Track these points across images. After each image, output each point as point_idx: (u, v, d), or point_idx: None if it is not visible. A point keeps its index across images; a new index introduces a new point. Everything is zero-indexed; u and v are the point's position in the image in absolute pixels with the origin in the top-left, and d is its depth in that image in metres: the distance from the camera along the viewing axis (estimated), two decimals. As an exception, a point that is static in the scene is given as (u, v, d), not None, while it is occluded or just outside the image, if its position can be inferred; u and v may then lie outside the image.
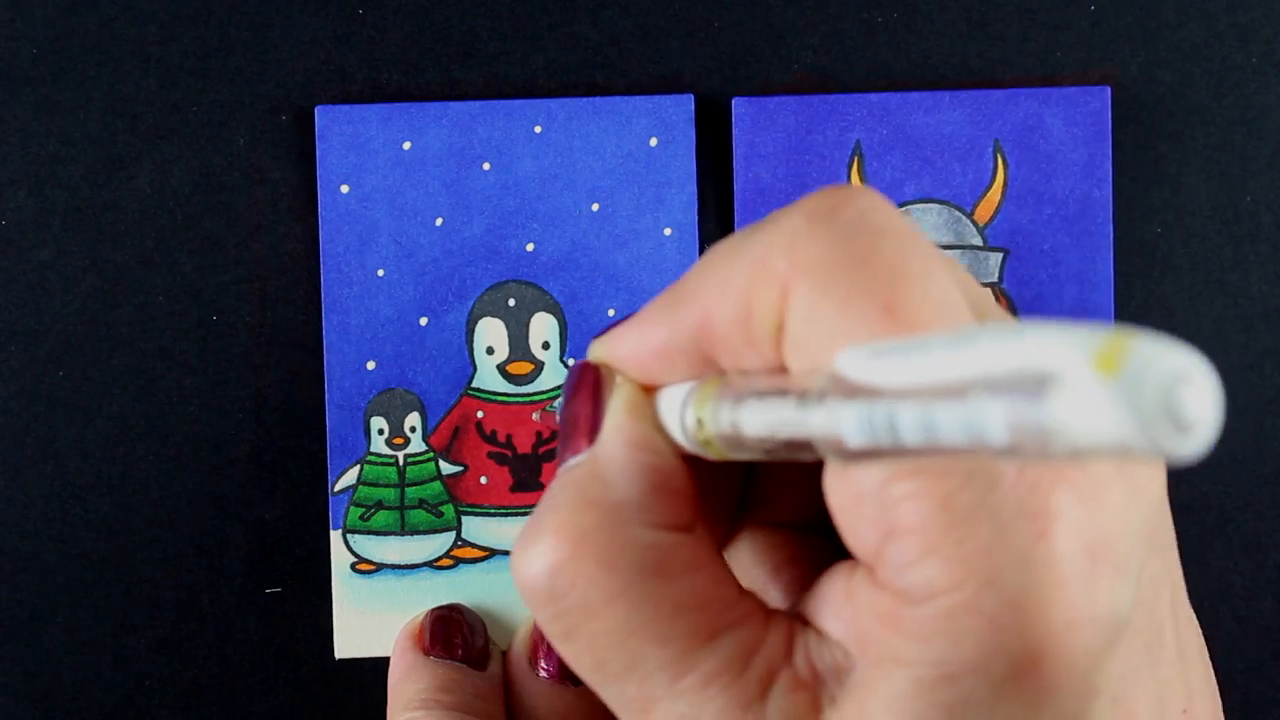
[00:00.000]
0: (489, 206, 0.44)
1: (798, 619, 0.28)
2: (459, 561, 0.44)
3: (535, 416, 0.43)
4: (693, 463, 0.29)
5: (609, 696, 0.28)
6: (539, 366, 0.44)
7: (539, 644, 0.43)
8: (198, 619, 0.45)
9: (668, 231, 0.44)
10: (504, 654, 0.44)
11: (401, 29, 0.44)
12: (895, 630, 0.25)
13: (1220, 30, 0.44)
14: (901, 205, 0.44)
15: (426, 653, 0.42)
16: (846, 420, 0.23)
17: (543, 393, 0.44)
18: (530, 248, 0.44)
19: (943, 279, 0.26)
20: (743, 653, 0.27)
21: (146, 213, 0.44)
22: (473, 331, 0.44)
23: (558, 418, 0.35)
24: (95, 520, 0.44)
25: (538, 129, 0.44)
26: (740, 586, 0.28)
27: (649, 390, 0.29)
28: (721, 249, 0.28)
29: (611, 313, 0.44)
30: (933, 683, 0.25)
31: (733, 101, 0.44)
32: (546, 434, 0.44)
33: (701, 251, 0.44)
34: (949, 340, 0.21)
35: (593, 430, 0.29)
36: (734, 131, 0.44)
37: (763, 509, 0.33)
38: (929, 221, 0.44)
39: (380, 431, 0.44)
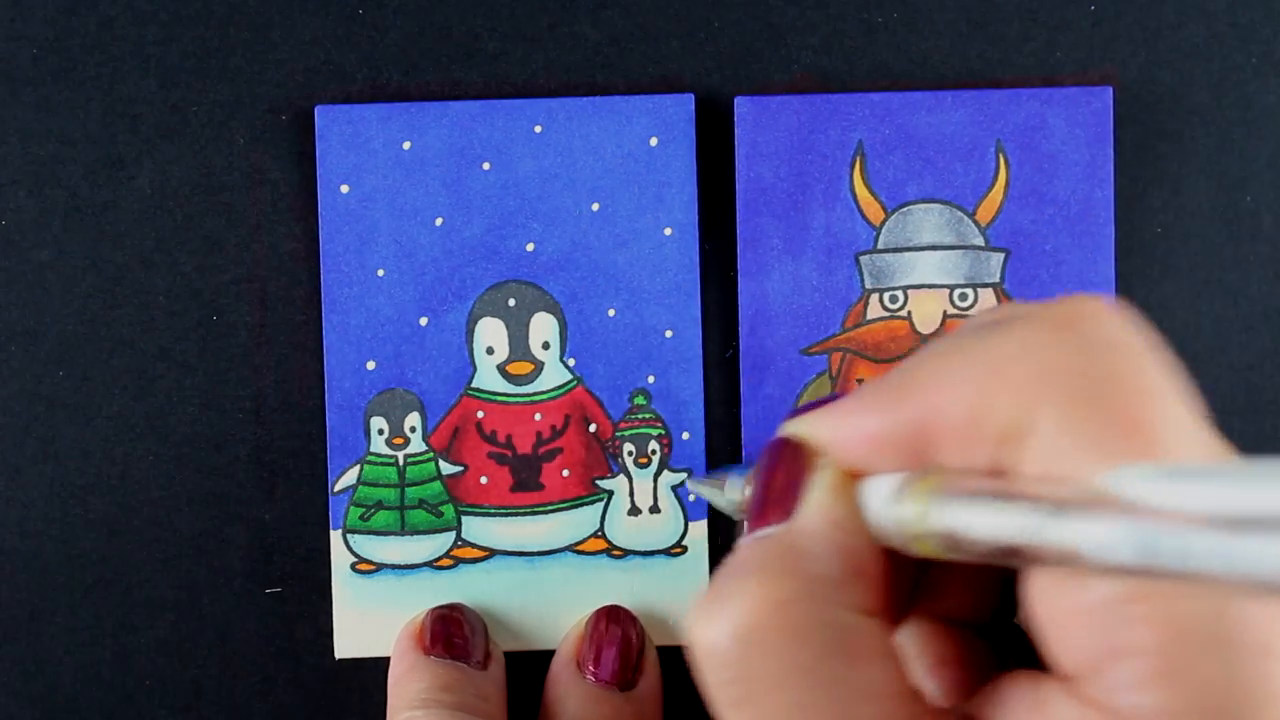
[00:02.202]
0: (489, 206, 0.44)
1: None
2: (459, 561, 0.44)
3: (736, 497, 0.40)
4: (884, 552, 0.29)
5: None
6: (539, 366, 0.44)
7: (592, 647, 0.43)
8: (198, 619, 0.45)
9: (668, 231, 0.44)
10: (552, 654, 0.44)
11: (401, 29, 0.44)
12: None
13: (1220, 30, 0.44)
14: (903, 205, 0.44)
15: (427, 652, 0.42)
16: (1115, 536, 0.23)
17: (543, 393, 0.44)
18: (530, 248, 0.44)
19: (1180, 400, 0.26)
20: None
21: (146, 213, 0.44)
22: (473, 331, 0.44)
23: (743, 490, 0.34)
24: (95, 520, 0.44)
25: (538, 129, 0.44)
26: (909, 683, 0.28)
27: (850, 475, 0.29)
28: (947, 346, 0.28)
29: (611, 313, 0.44)
30: None
31: (735, 101, 0.44)
32: (547, 434, 0.44)
33: (702, 251, 0.44)
34: (1247, 472, 0.22)
35: (792, 504, 0.29)
36: (736, 131, 0.44)
37: (930, 603, 0.32)
38: (931, 222, 0.44)
39: (380, 431, 0.44)
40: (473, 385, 0.44)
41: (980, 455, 0.27)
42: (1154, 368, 0.26)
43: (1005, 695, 0.27)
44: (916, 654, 0.32)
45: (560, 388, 0.44)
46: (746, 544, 0.29)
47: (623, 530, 0.44)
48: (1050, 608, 0.26)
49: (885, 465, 0.29)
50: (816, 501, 0.29)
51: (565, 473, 0.44)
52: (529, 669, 0.44)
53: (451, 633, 0.43)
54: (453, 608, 0.44)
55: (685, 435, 0.44)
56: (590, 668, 0.43)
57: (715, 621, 0.27)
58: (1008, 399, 0.26)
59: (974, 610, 0.32)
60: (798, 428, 0.30)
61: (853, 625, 0.27)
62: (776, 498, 0.29)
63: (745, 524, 0.30)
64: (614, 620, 0.43)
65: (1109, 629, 0.25)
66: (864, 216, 0.44)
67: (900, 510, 0.27)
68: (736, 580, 0.27)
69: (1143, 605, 0.24)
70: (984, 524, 0.25)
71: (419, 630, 0.43)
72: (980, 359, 0.27)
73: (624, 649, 0.43)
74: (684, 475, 0.44)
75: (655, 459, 0.44)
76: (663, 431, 0.44)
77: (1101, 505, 0.23)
